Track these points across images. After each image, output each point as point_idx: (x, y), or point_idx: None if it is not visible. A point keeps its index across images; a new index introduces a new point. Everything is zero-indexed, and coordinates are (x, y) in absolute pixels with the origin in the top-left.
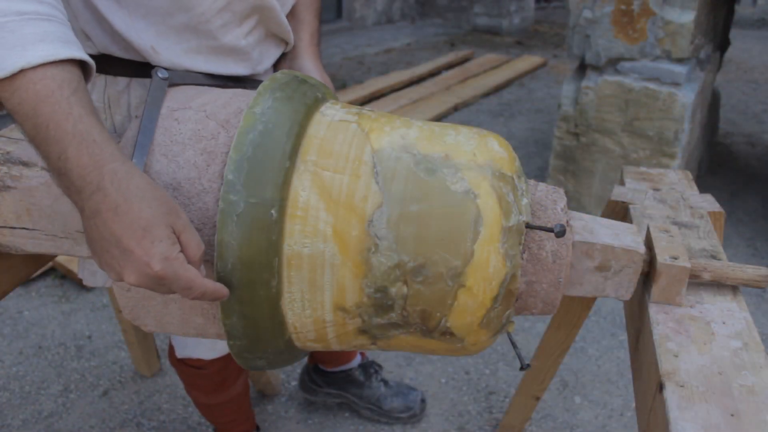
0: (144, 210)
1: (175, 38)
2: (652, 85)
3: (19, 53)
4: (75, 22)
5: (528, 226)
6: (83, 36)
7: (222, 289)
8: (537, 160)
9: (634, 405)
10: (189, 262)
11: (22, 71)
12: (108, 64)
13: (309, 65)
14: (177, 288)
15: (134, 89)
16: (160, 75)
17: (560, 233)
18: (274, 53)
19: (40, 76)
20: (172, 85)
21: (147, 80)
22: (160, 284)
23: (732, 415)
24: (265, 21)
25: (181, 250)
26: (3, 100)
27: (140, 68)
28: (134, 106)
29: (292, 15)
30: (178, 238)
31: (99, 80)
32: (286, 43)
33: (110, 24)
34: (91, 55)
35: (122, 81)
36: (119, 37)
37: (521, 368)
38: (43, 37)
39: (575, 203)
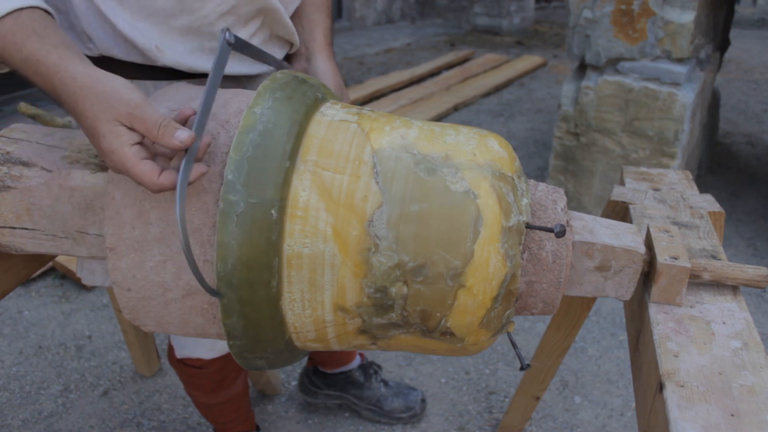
0: (87, 110)
1: (178, 38)
2: (652, 85)
3: None
4: (78, 23)
5: (528, 226)
6: (85, 38)
7: (171, 177)
8: (537, 160)
9: (634, 405)
10: (152, 137)
11: None
12: (109, 66)
13: (324, 66)
14: (133, 179)
15: None
16: (227, 37)
17: (560, 233)
18: (278, 54)
19: (12, 22)
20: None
21: (148, 82)
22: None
23: (732, 415)
24: (270, 23)
25: (143, 136)
26: None
27: (141, 70)
28: None
29: (303, 16)
30: (132, 127)
31: None
32: (291, 44)
33: (113, 25)
34: (93, 57)
35: None
36: (122, 38)
37: (521, 368)
38: None
39: (575, 203)
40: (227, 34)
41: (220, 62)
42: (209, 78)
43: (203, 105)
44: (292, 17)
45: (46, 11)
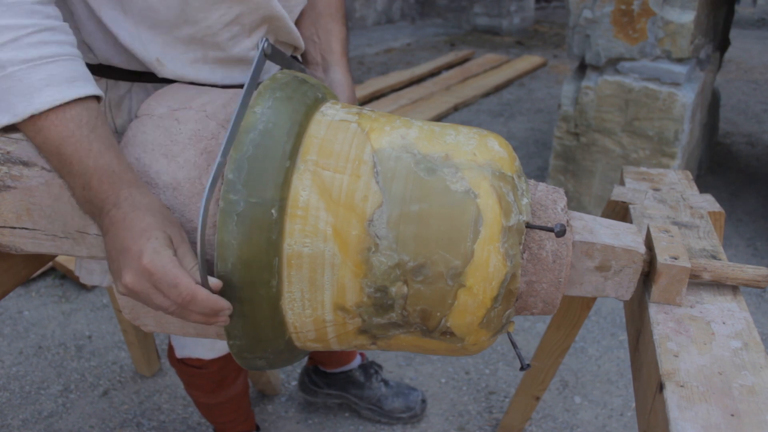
0: (147, 218)
1: (181, 48)
2: (652, 85)
3: (27, 100)
4: (77, 33)
5: (528, 225)
6: (85, 47)
7: (219, 301)
8: (537, 160)
9: (634, 405)
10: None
11: (37, 115)
12: (109, 71)
13: (341, 78)
14: (164, 285)
15: (136, 93)
16: (264, 47)
17: (560, 233)
18: None
19: (60, 119)
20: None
21: (149, 85)
22: (149, 280)
23: (732, 415)
24: (275, 30)
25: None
26: (30, 138)
27: (142, 75)
28: (135, 111)
29: (319, 26)
30: (176, 250)
31: (100, 83)
32: (294, 48)
33: (114, 36)
34: (92, 65)
35: (124, 86)
36: (123, 49)
37: (521, 368)
38: (50, 81)
39: (575, 203)
40: (265, 44)
41: (256, 73)
42: (245, 88)
43: (236, 115)
44: (306, 25)
45: (95, 97)
